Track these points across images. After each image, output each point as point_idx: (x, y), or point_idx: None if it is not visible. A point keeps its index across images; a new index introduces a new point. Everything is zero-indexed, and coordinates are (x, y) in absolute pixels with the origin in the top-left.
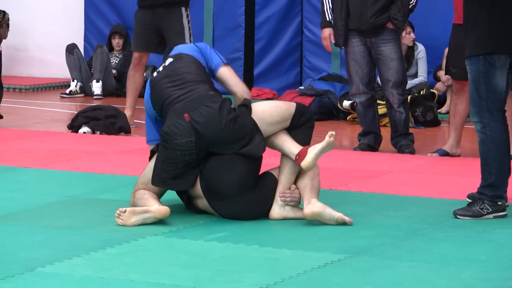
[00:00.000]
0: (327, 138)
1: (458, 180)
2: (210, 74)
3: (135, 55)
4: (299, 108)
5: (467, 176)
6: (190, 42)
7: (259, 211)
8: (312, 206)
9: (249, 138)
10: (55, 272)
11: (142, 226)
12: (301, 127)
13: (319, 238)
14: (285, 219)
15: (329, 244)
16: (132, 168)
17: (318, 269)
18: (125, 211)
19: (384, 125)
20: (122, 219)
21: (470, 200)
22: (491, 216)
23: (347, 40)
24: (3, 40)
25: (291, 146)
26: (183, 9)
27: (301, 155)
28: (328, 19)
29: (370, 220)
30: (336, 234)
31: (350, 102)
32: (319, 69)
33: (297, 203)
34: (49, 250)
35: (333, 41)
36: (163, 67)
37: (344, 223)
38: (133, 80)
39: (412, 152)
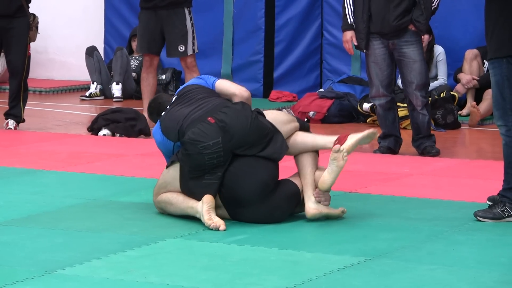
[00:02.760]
0: (370, 129)
1: (478, 182)
2: None
3: (146, 57)
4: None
5: (487, 179)
6: (193, 44)
7: (278, 217)
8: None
9: (270, 137)
10: (75, 274)
11: (162, 228)
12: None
13: (339, 240)
14: (320, 215)
15: (349, 247)
16: (152, 170)
17: (338, 272)
18: (210, 218)
19: (404, 128)
20: (215, 221)
21: (490, 203)
22: (511, 219)
23: (368, 43)
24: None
25: (326, 137)
26: (186, 10)
27: (341, 140)
28: (349, 22)
29: (390, 223)
30: (356, 237)
31: (370, 104)
32: (339, 71)
33: (328, 203)
34: (69, 252)
35: (355, 44)
36: (170, 105)
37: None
38: (147, 83)
39: (438, 152)
